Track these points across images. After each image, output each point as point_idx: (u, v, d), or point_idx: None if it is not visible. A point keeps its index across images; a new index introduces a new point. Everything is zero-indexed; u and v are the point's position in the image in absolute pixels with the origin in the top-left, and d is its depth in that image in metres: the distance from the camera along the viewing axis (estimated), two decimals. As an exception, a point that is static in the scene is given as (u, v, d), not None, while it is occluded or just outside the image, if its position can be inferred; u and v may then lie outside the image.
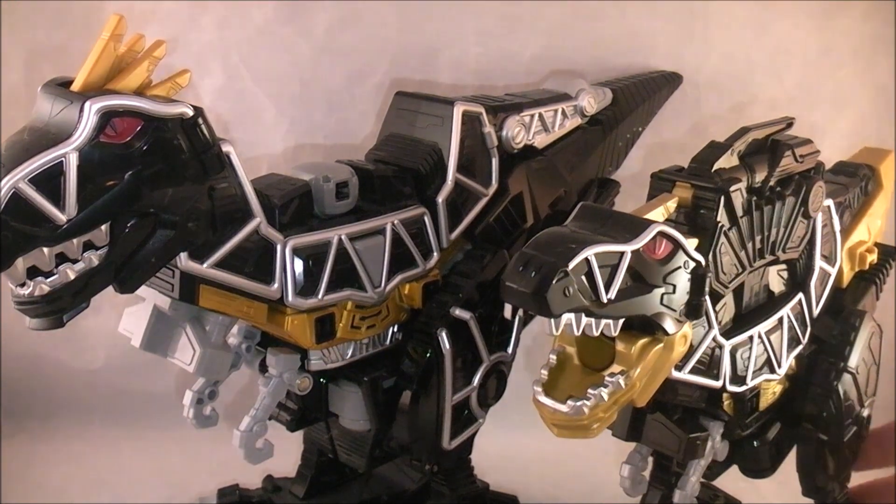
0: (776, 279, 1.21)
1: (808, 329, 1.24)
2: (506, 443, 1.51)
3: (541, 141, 1.44)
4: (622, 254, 0.91)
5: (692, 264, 0.98)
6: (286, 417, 1.30)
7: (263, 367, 1.23)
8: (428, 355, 1.24)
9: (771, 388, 1.23)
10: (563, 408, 0.95)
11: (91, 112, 0.93)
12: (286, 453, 1.39)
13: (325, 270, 1.16)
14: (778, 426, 1.28)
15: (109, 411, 1.96)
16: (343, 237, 1.18)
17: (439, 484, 1.42)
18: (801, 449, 1.28)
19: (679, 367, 1.05)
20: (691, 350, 1.05)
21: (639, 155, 1.64)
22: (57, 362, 2.01)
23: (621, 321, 0.94)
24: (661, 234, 0.95)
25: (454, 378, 1.25)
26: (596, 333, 0.92)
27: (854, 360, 1.27)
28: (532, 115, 1.41)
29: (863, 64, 1.96)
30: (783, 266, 1.21)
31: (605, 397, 0.95)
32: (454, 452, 1.32)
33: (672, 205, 1.07)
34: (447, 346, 1.23)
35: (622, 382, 0.95)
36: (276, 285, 1.13)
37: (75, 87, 0.97)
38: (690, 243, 1.02)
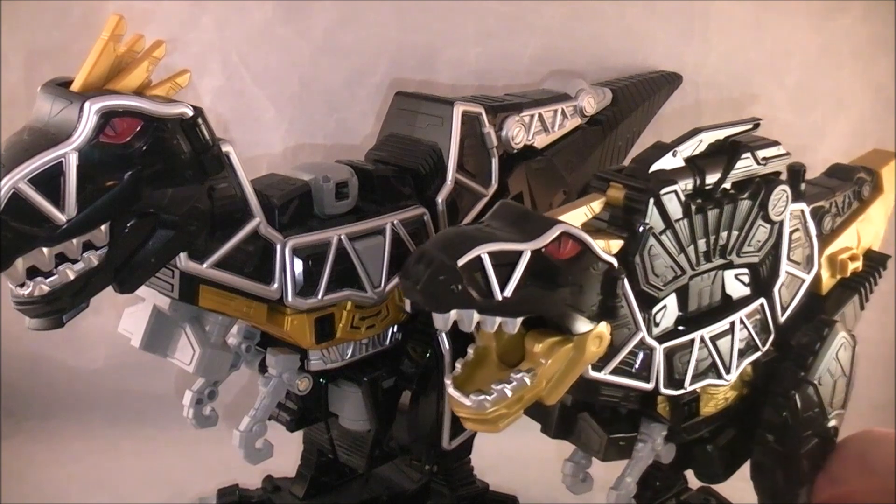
0: (735, 283, 1.18)
1: (771, 336, 1.21)
2: (506, 443, 1.51)
3: (541, 141, 1.44)
4: (520, 253, 0.92)
5: (603, 266, 0.98)
6: (286, 418, 1.30)
7: (263, 368, 1.23)
8: (427, 355, 1.24)
9: (721, 393, 1.21)
10: (467, 401, 0.96)
11: (91, 112, 0.93)
12: (286, 453, 1.38)
13: (324, 270, 1.16)
14: (732, 432, 1.26)
15: (109, 411, 1.96)
16: (343, 237, 1.18)
17: (439, 484, 1.42)
18: (756, 456, 1.26)
19: (599, 368, 1.04)
20: (613, 351, 1.04)
21: (639, 155, 1.64)
22: (57, 362, 2.01)
23: (519, 319, 0.94)
24: (566, 234, 0.95)
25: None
26: (491, 330, 0.93)
27: (817, 371, 1.23)
28: (532, 116, 1.41)
29: (863, 64, 1.96)
30: (743, 270, 1.19)
31: (509, 393, 0.95)
32: (454, 453, 1.32)
33: (597, 205, 1.06)
34: (447, 346, 1.23)
35: (527, 380, 0.96)
36: (275, 285, 1.13)
37: (75, 87, 0.97)
38: (614, 245, 1.02)
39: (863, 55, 1.95)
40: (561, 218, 0.99)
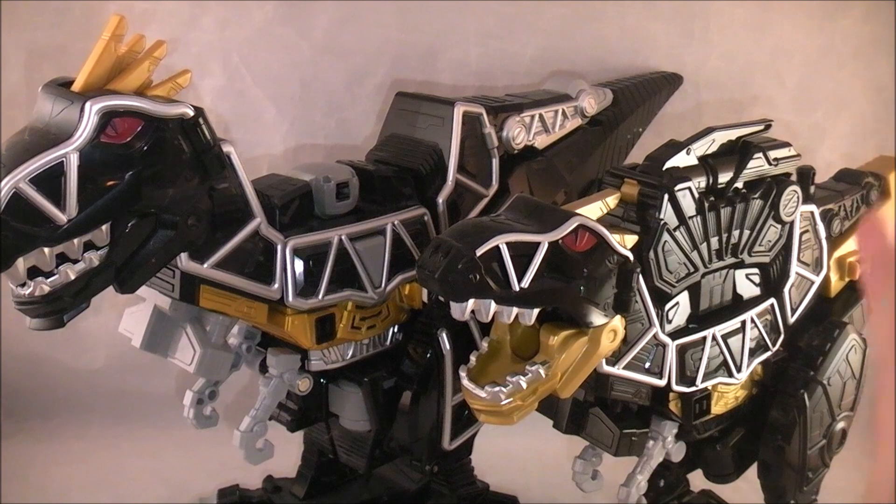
0: (745, 283, 1.19)
1: (781, 336, 1.22)
2: (506, 443, 1.51)
3: (541, 141, 1.44)
4: (538, 244, 0.92)
5: (619, 259, 0.99)
6: (286, 418, 1.30)
7: (264, 368, 1.24)
8: (428, 356, 1.24)
9: (732, 392, 1.21)
10: (482, 393, 0.96)
11: (92, 112, 0.93)
12: (286, 453, 1.39)
13: (325, 271, 1.16)
14: (742, 431, 1.26)
15: (109, 411, 1.95)
16: (343, 237, 1.18)
17: (439, 484, 1.42)
18: (763, 455, 1.26)
19: (612, 362, 1.05)
20: (627, 346, 1.05)
21: (639, 155, 1.63)
22: (57, 362, 2.01)
23: (536, 310, 0.94)
24: (582, 226, 0.96)
25: (454, 378, 1.25)
26: (508, 321, 0.94)
27: (826, 372, 1.23)
28: (532, 116, 1.41)
29: (863, 64, 1.96)
30: (754, 270, 1.19)
31: (524, 385, 0.96)
32: (454, 453, 1.32)
33: (612, 200, 1.07)
34: (447, 346, 1.23)
35: (542, 372, 0.96)
36: (276, 286, 1.13)
37: (76, 87, 0.97)
38: (629, 239, 1.03)
39: (863, 55, 1.95)
40: (577, 212, 0.99)
